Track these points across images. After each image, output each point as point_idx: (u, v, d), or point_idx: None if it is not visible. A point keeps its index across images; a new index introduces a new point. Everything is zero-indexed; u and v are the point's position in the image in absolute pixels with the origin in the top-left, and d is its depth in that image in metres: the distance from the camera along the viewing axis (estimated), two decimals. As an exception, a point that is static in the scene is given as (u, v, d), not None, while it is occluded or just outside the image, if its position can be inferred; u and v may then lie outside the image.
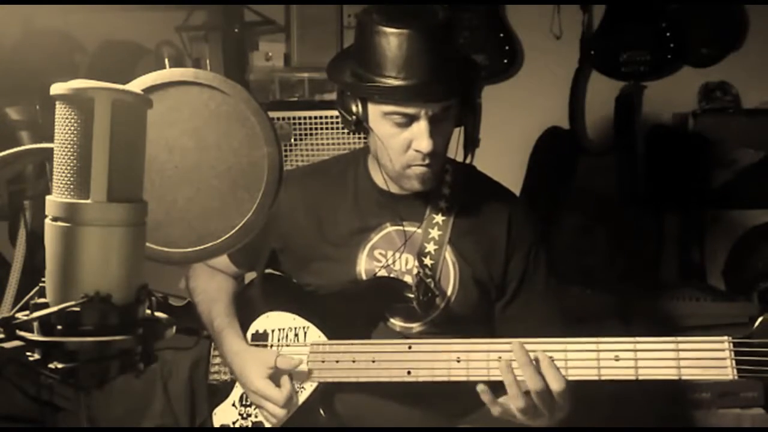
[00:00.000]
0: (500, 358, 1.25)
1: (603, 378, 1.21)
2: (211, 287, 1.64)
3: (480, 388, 1.24)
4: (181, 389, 2.08)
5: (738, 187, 2.67)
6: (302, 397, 1.44)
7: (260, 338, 1.53)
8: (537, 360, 1.22)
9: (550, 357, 1.22)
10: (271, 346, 1.50)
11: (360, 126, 1.39)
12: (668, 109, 2.79)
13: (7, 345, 0.68)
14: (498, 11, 2.77)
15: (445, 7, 1.38)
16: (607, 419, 1.98)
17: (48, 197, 0.70)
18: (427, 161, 1.38)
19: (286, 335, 1.49)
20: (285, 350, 1.46)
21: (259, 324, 1.54)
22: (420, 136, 1.35)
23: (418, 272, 1.43)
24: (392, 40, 1.31)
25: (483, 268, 1.48)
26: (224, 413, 1.54)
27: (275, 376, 1.42)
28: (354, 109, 1.39)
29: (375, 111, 1.37)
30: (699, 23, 2.68)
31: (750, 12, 2.73)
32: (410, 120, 1.35)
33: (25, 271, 1.90)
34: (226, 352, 1.51)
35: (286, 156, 2.22)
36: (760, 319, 1.11)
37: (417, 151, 1.36)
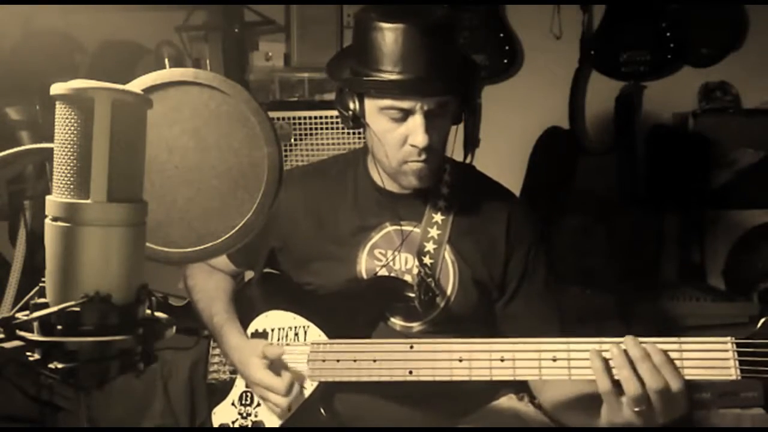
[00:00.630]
0: (503, 358, 1.24)
1: None
2: (209, 285, 1.64)
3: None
4: (181, 389, 2.08)
5: (738, 187, 2.67)
6: (302, 397, 1.44)
7: (260, 337, 1.53)
8: (649, 356, 1.12)
9: (665, 352, 1.12)
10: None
11: (357, 122, 1.40)
12: (668, 109, 2.79)
13: (7, 345, 0.68)
14: (498, 11, 2.77)
15: (445, 7, 1.38)
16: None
17: (48, 197, 0.70)
18: (423, 156, 1.38)
19: (286, 334, 1.49)
20: (287, 349, 1.46)
21: (259, 323, 1.54)
22: (415, 130, 1.35)
23: (419, 272, 1.43)
24: (388, 35, 1.31)
25: (482, 267, 1.48)
26: (224, 413, 1.54)
27: (275, 367, 1.43)
28: (351, 105, 1.39)
29: (371, 106, 1.38)
30: (699, 23, 2.68)
31: (750, 12, 2.73)
32: (406, 115, 1.35)
33: (25, 271, 1.90)
34: (227, 347, 1.52)
35: (286, 156, 2.22)
36: (762, 319, 1.11)
37: (413, 146, 1.36)
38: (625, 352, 1.12)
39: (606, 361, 1.14)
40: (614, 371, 1.13)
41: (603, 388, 1.13)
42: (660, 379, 1.10)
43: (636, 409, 1.11)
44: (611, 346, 1.14)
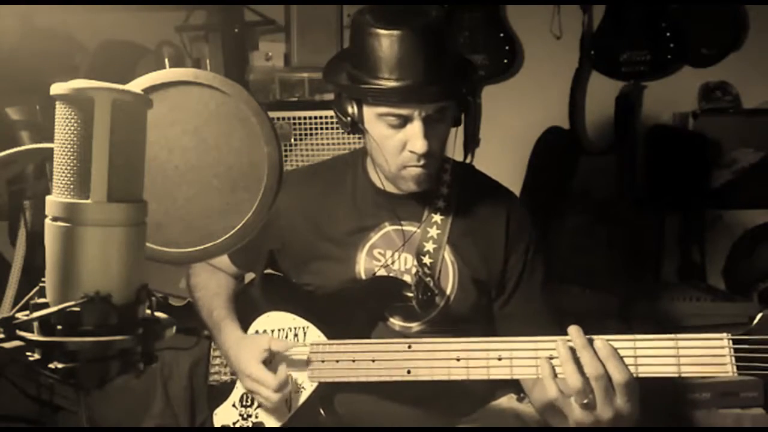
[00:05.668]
0: (500, 357, 1.24)
1: None
2: (212, 283, 1.65)
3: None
4: (181, 389, 2.08)
5: (738, 187, 2.68)
6: (302, 398, 1.44)
7: (260, 338, 1.53)
8: (597, 348, 1.14)
9: (616, 348, 1.13)
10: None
11: (355, 127, 1.40)
12: (668, 109, 2.79)
13: (7, 345, 0.68)
14: (498, 11, 2.77)
15: (443, 7, 1.38)
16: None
17: (48, 197, 0.70)
18: (422, 162, 1.38)
19: (286, 335, 1.49)
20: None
21: (259, 324, 1.54)
22: (414, 137, 1.35)
23: (417, 271, 1.44)
24: (384, 41, 1.30)
25: (482, 267, 1.48)
26: (224, 414, 1.54)
27: (271, 363, 1.43)
28: (349, 110, 1.39)
29: (370, 112, 1.38)
30: (699, 23, 2.69)
31: (750, 12, 2.73)
32: (404, 121, 1.35)
33: (25, 271, 1.90)
34: (223, 341, 1.52)
35: (286, 156, 2.22)
36: (759, 315, 1.11)
37: (412, 152, 1.36)
38: (571, 347, 1.14)
39: (553, 368, 1.16)
40: (558, 369, 1.15)
41: (551, 393, 1.15)
42: (599, 366, 1.11)
43: (583, 402, 1.13)
44: (557, 345, 1.16)
